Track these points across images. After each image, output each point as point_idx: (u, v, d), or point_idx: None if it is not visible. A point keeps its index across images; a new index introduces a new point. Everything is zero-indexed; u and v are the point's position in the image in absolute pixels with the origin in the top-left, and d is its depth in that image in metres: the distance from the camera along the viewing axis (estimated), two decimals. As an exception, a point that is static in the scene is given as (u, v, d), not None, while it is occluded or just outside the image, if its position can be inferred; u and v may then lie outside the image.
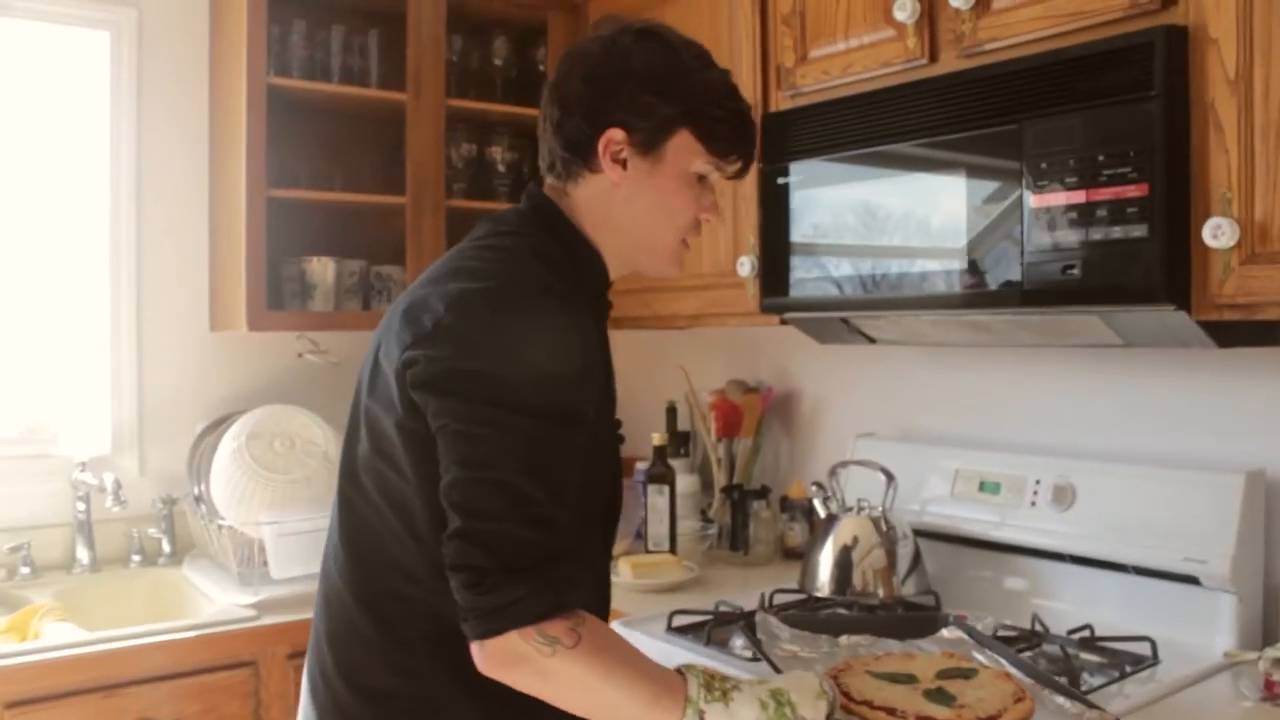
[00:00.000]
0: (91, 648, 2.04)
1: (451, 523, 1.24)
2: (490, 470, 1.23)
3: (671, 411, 2.98)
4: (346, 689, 1.40)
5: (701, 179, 1.45)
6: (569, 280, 1.40)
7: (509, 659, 1.22)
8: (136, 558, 2.66)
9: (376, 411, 1.36)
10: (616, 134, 1.39)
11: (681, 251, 1.49)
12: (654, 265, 1.50)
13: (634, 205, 1.43)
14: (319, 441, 2.47)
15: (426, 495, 1.30)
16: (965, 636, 1.84)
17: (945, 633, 1.86)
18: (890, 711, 1.41)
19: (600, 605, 1.50)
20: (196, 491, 2.59)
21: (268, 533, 2.30)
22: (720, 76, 1.45)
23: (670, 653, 1.97)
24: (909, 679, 1.55)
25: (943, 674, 1.58)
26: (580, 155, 1.42)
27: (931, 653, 1.72)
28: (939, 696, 1.49)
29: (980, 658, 1.71)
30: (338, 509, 1.45)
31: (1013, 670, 1.62)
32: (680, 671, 1.30)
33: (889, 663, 1.63)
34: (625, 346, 3.41)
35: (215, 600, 2.35)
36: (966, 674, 1.58)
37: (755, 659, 1.85)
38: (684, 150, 1.41)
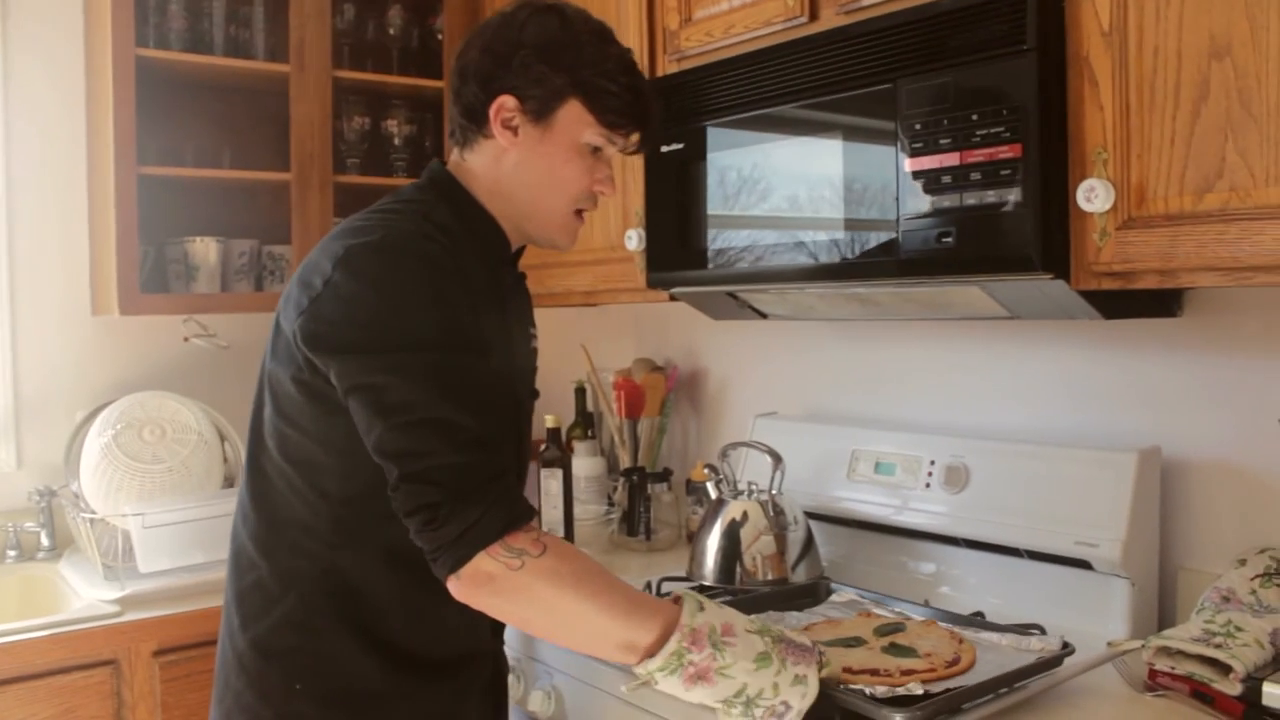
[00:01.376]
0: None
1: (390, 474, 1.28)
2: (410, 413, 1.26)
3: (580, 392, 2.88)
4: (249, 647, 1.44)
5: (596, 151, 1.49)
6: (463, 247, 1.43)
7: (481, 580, 1.26)
8: (12, 553, 2.54)
9: (279, 373, 1.41)
10: (508, 100, 1.45)
11: (572, 223, 1.53)
12: (544, 234, 1.54)
13: (524, 172, 1.48)
14: (193, 426, 2.35)
15: (334, 450, 1.38)
16: (857, 596, 1.88)
17: (836, 596, 1.90)
18: (874, 673, 1.45)
19: None
20: (75, 486, 2.48)
21: (133, 524, 2.18)
22: (616, 51, 1.48)
23: (541, 647, 1.87)
24: (858, 641, 1.61)
25: (879, 631, 1.65)
26: (475, 122, 1.48)
27: (847, 615, 1.78)
28: (901, 651, 1.55)
29: (885, 613, 1.77)
30: (246, 470, 1.50)
31: (930, 617, 1.73)
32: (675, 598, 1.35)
33: (823, 630, 1.68)
34: (540, 327, 3.32)
35: (84, 597, 2.23)
36: (898, 627, 1.67)
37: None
38: (575, 121, 1.46)
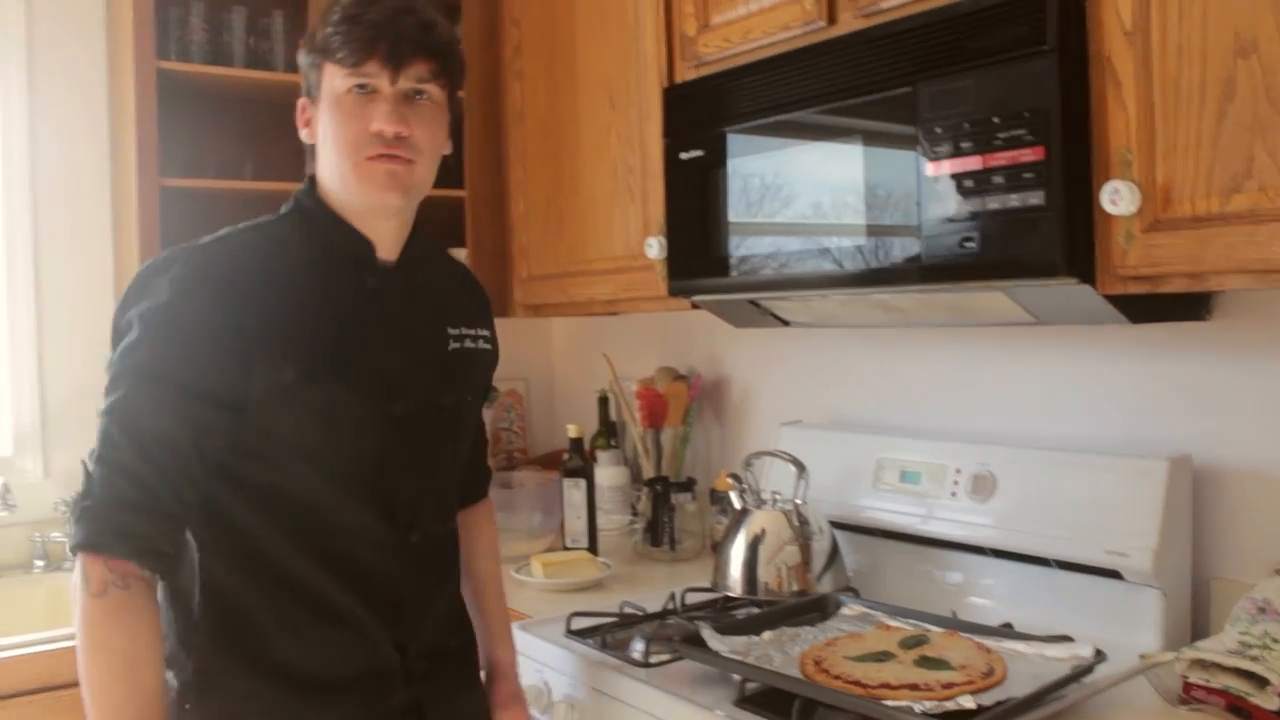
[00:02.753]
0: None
1: None
2: (100, 416, 1.31)
3: (604, 401, 2.86)
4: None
5: (365, 98, 1.41)
6: (297, 252, 1.44)
7: (74, 578, 1.29)
8: (39, 563, 2.56)
9: None
10: (302, 101, 1.49)
11: (369, 172, 1.43)
12: (357, 197, 1.45)
13: (321, 152, 1.47)
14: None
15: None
16: (869, 610, 1.84)
17: (846, 610, 1.86)
18: (913, 688, 1.43)
19: (379, 580, 1.47)
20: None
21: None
22: (357, 5, 1.43)
23: (567, 658, 1.86)
24: (887, 655, 1.58)
25: (905, 644, 1.62)
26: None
27: (864, 629, 1.74)
28: (934, 664, 1.53)
29: (903, 625, 1.74)
30: None
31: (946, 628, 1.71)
32: None
33: (848, 645, 1.64)
34: (561, 335, 3.32)
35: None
36: (922, 640, 1.64)
37: (649, 665, 1.74)
38: (328, 79, 1.43)
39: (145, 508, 1.29)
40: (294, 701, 1.41)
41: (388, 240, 1.51)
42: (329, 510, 1.42)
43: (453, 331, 1.59)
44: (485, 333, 1.65)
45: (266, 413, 1.36)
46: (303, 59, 1.48)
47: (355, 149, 1.42)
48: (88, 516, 1.28)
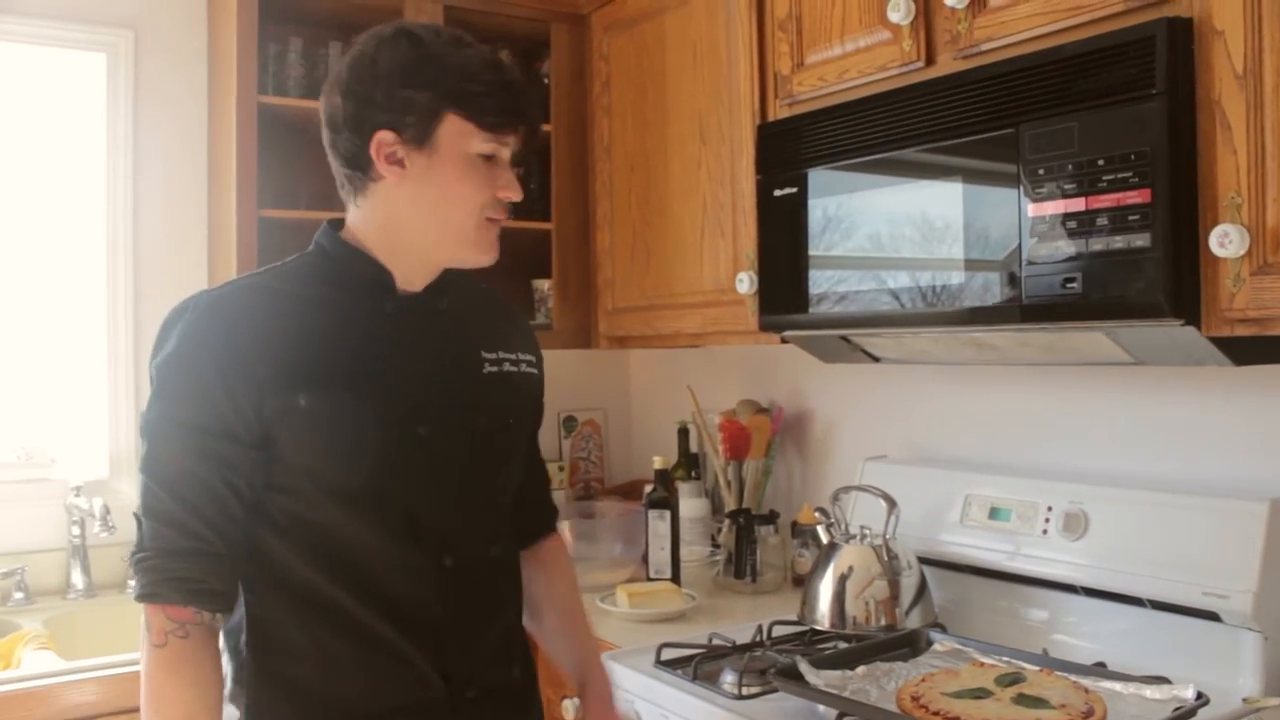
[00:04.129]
0: (59, 679, 1.99)
1: None
2: (139, 472, 1.36)
3: (684, 433, 2.89)
4: None
5: (489, 159, 1.42)
6: (313, 286, 1.44)
7: (140, 629, 1.33)
8: (133, 584, 2.61)
9: None
10: (385, 135, 1.39)
11: (485, 235, 1.45)
12: (460, 255, 1.46)
13: (421, 201, 1.42)
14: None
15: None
16: (960, 646, 1.84)
17: (938, 646, 1.86)
18: None
19: (413, 607, 1.44)
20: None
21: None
22: (476, 53, 1.42)
23: (658, 689, 1.87)
24: (985, 692, 1.59)
25: (1000, 681, 1.63)
26: (360, 168, 1.42)
27: (957, 665, 1.74)
28: (1033, 702, 1.54)
29: (997, 662, 1.74)
30: None
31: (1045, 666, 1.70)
32: None
33: (944, 681, 1.64)
34: (639, 366, 3.35)
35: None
36: (1018, 678, 1.64)
37: (741, 697, 1.76)
38: (457, 134, 1.39)
39: (192, 551, 1.32)
40: None
41: (414, 272, 1.48)
42: (354, 536, 1.40)
43: (488, 355, 1.55)
44: (529, 357, 1.62)
45: (285, 444, 1.36)
46: (408, 95, 1.38)
47: (478, 213, 1.42)
48: (142, 568, 1.32)
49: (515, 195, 1.44)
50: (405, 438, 1.43)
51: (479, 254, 1.46)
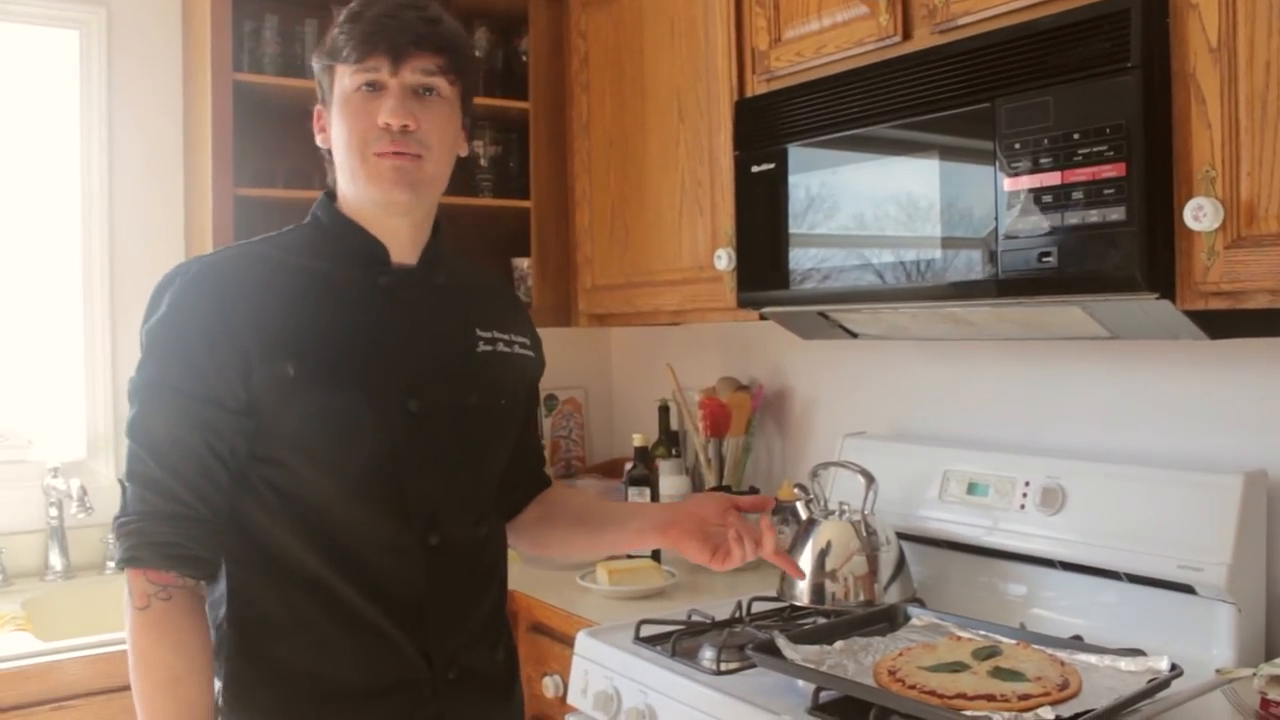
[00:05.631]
0: (35, 659, 1.98)
1: None
2: (126, 436, 1.36)
3: (664, 410, 2.88)
4: None
5: (374, 94, 1.40)
6: (307, 257, 1.45)
7: (123, 594, 1.33)
8: (111, 565, 2.60)
9: None
10: (317, 109, 1.49)
11: (375, 169, 1.41)
12: (366, 194, 1.44)
13: (335, 155, 1.46)
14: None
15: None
16: (938, 620, 1.85)
17: (916, 620, 1.87)
18: (989, 698, 1.45)
19: (397, 584, 1.43)
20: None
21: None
22: (370, 7, 1.43)
23: (637, 665, 1.88)
24: (961, 666, 1.59)
25: (978, 655, 1.63)
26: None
27: (935, 639, 1.75)
28: (1009, 675, 1.54)
29: (974, 636, 1.75)
30: None
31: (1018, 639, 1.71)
32: None
33: (921, 655, 1.65)
34: (620, 344, 3.35)
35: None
36: (995, 651, 1.65)
37: (720, 673, 1.76)
38: (338, 81, 1.43)
39: (176, 516, 1.32)
40: (321, 711, 1.40)
41: (403, 242, 1.48)
42: (340, 511, 1.40)
43: (483, 334, 1.55)
44: (524, 339, 1.62)
45: (272, 414, 1.36)
46: (315, 66, 1.47)
47: (363, 144, 1.40)
48: (125, 532, 1.32)
49: (393, 121, 1.38)
50: (395, 413, 1.42)
51: (376, 190, 1.41)
